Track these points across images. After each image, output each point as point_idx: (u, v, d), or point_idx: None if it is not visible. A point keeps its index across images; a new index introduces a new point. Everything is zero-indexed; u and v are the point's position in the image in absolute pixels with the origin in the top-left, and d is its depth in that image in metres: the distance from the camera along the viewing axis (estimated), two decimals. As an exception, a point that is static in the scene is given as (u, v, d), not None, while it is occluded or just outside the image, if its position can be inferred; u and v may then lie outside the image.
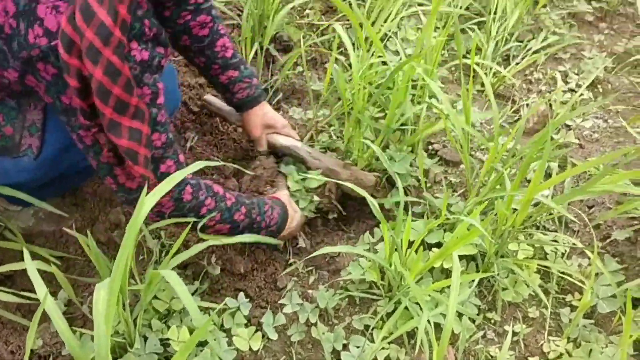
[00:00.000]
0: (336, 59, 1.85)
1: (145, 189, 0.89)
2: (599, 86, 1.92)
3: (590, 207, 1.58)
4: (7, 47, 0.87)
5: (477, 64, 1.87)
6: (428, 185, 1.57)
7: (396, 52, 1.88)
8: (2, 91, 1.00)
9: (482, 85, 1.87)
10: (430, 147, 1.68)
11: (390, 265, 1.24)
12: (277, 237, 1.30)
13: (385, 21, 1.82)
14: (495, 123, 1.43)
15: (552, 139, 1.72)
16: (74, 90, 0.84)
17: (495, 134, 1.37)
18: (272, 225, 1.27)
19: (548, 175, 1.64)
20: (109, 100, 0.84)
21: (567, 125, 1.79)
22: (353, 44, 1.87)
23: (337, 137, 1.63)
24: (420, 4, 2.02)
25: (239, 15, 1.87)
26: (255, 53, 1.77)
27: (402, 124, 1.66)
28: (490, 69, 1.82)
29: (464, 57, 1.91)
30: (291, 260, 1.39)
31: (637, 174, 1.23)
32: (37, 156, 1.07)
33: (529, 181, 1.63)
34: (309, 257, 1.33)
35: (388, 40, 1.88)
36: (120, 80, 0.83)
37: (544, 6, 2.13)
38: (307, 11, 2.01)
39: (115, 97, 0.84)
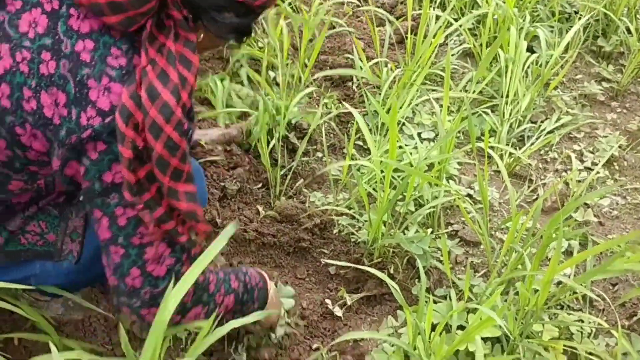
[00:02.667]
0: (354, 143, 1.92)
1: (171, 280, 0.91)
2: (614, 164, 1.95)
3: (614, 285, 1.57)
4: (54, 136, 0.90)
5: (492, 147, 1.92)
6: (450, 266, 1.58)
7: (411, 137, 1.94)
8: (46, 199, 1.05)
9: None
10: (450, 228, 1.70)
11: (415, 350, 1.24)
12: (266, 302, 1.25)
13: (400, 107, 1.90)
14: (512, 204, 1.45)
15: (571, 217, 1.73)
16: (126, 161, 0.87)
17: (513, 215, 1.39)
18: (259, 283, 1.22)
19: (570, 253, 1.64)
20: (167, 170, 0.89)
21: (586, 204, 1.80)
22: (370, 130, 1.94)
23: (358, 221, 1.66)
24: (433, 90, 2.10)
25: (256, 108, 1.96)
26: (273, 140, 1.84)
27: (420, 206, 1.70)
28: (506, 150, 1.87)
29: (480, 139, 1.96)
30: (315, 346, 1.39)
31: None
32: (77, 260, 1.11)
33: (549, 259, 1.63)
34: (333, 342, 1.33)
35: (403, 125, 1.94)
36: (178, 153, 0.89)
37: (555, 88, 2.20)
38: (325, 100, 2.10)
39: (173, 167, 0.89)
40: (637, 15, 2.55)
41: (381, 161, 1.42)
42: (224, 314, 1.10)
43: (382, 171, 1.54)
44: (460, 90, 2.13)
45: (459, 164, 1.91)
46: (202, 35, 0.95)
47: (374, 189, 1.62)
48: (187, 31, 0.87)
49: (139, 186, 0.90)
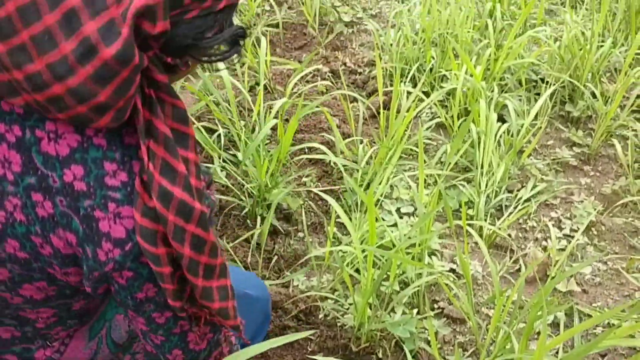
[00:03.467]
0: (337, 222, 1.92)
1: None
2: (592, 229, 1.97)
3: (603, 356, 1.56)
4: (82, 269, 0.84)
5: (471, 219, 1.94)
6: (438, 346, 1.56)
7: (390, 212, 1.96)
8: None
9: (480, 236, 1.92)
10: (436, 306, 1.69)
11: None
12: None
13: (379, 183, 1.92)
14: (494, 279, 1.46)
15: (555, 289, 1.73)
16: (168, 278, 0.80)
17: (497, 293, 1.39)
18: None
19: (557, 325, 1.64)
20: (199, 270, 0.82)
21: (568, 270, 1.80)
22: (350, 207, 1.95)
23: (342, 305, 1.64)
24: (409, 164, 2.13)
25: (240, 190, 1.97)
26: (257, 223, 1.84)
27: (405, 284, 1.70)
28: (482, 225, 1.88)
29: (459, 212, 1.98)
30: None
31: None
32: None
33: (538, 334, 1.62)
34: None
35: (382, 201, 1.96)
36: (206, 248, 0.81)
37: (529, 156, 2.25)
38: (304, 179, 2.12)
39: (203, 265, 0.82)
40: (602, 79, 2.65)
41: (363, 247, 1.42)
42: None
43: (363, 251, 1.54)
44: (436, 164, 2.16)
45: (440, 236, 1.92)
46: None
47: (356, 271, 1.62)
48: (172, 96, 0.76)
49: (178, 292, 0.84)
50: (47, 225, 0.77)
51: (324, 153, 2.13)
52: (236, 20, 0.87)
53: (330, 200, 1.54)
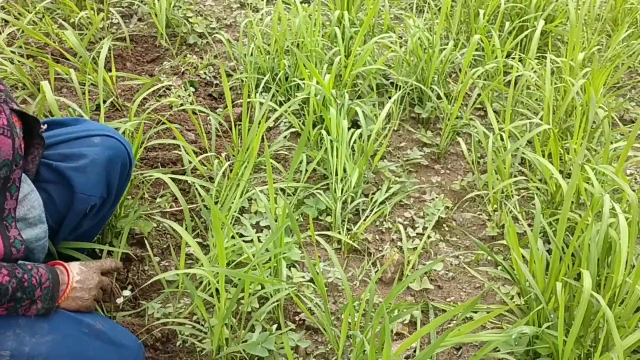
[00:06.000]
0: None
1: None
2: (444, 225, 2.06)
3: (458, 349, 1.63)
4: None
5: (330, 225, 1.96)
6: (300, 359, 1.55)
7: (252, 226, 1.92)
8: None
9: (339, 242, 1.93)
10: (297, 318, 1.68)
11: None
12: (58, 301, 1.22)
13: (234, 198, 1.88)
14: (345, 285, 1.46)
15: (409, 288, 1.78)
16: None
17: (349, 300, 1.40)
18: (44, 282, 1.18)
19: (414, 324, 1.68)
20: None
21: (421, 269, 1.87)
22: (209, 223, 1.90)
23: (200, 330, 1.58)
24: (264, 182, 2.11)
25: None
26: (109, 252, 1.73)
27: (265, 299, 1.67)
28: (339, 232, 1.91)
29: (318, 220, 1.99)
30: None
31: (484, 319, 1.29)
32: None
33: (398, 334, 1.66)
34: None
35: (241, 216, 1.92)
36: None
37: (382, 159, 2.30)
38: (158, 199, 2.03)
39: None
40: (447, 80, 2.79)
41: (212, 269, 1.37)
42: None
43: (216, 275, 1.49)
44: (295, 172, 2.16)
45: (301, 247, 1.91)
46: None
47: (211, 295, 1.56)
48: None
49: None
50: None
51: (180, 172, 2.06)
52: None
53: (175, 226, 1.48)
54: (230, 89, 2.64)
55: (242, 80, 2.65)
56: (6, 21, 2.75)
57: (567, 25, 3.10)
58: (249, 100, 2.29)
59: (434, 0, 3.33)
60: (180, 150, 2.17)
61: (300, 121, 2.41)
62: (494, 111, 2.59)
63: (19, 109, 1.19)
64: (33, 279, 1.15)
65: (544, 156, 2.16)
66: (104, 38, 2.86)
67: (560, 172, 2.20)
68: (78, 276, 1.26)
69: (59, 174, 1.37)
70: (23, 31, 2.70)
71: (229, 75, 2.69)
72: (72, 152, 1.40)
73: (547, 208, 2.01)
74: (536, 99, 2.58)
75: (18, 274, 1.13)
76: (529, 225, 2.05)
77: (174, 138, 2.35)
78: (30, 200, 1.28)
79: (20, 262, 1.18)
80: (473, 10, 3.03)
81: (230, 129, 2.41)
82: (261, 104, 2.23)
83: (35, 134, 1.26)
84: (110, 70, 2.49)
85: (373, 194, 2.13)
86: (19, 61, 2.40)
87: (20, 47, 2.61)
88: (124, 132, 2.00)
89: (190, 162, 2.07)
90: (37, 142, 1.28)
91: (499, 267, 1.84)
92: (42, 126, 1.26)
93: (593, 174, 1.79)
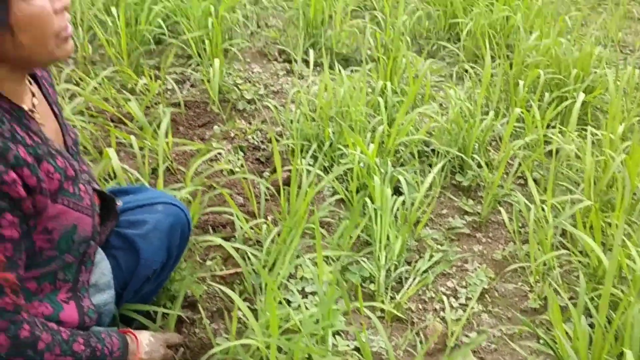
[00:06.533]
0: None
1: None
2: (486, 295, 2.09)
3: None
4: None
5: (374, 294, 2.01)
6: None
7: (298, 292, 1.99)
8: None
9: (382, 311, 1.98)
10: (342, 386, 1.72)
11: None
12: None
13: (282, 264, 1.95)
14: (390, 356, 1.51)
15: (452, 360, 1.81)
16: None
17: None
18: (115, 351, 1.25)
19: (457, 396, 1.70)
20: None
21: (466, 343, 1.89)
22: (259, 288, 1.97)
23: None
24: (308, 246, 2.19)
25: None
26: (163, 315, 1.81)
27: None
28: (382, 301, 1.95)
29: (362, 286, 2.04)
30: None
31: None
32: None
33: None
34: None
35: (287, 282, 1.99)
36: None
37: (425, 226, 2.36)
38: (208, 262, 2.12)
39: None
40: (488, 147, 2.86)
41: (264, 341, 1.44)
42: None
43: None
44: (339, 238, 2.23)
45: (346, 313, 1.96)
46: None
47: (261, 360, 1.62)
48: None
49: None
50: None
51: (230, 236, 2.15)
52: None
53: (230, 292, 1.56)
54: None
55: (288, 146, 2.77)
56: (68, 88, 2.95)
57: (606, 95, 3.16)
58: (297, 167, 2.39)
59: (473, 69, 3.43)
60: (230, 215, 2.27)
61: (343, 186, 2.49)
62: (534, 180, 2.63)
63: (99, 189, 1.31)
64: (105, 348, 1.23)
65: (585, 228, 2.19)
66: (158, 103, 3.03)
67: (603, 244, 2.22)
68: (147, 347, 1.34)
69: (126, 241, 1.47)
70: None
71: (277, 141, 2.81)
72: (137, 219, 1.50)
73: (589, 281, 2.02)
74: (577, 170, 2.62)
75: (92, 343, 1.21)
76: (570, 298, 2.06)
77: (224, 201, 2.46)
78: (101, 267, 1.38)
79: (94, 328, 1.27)
80: (513, 80, 3.12)
81: (278, 192, 2.51)
82: (308, 171, 2.33)
83: (111, 210, 1.37)
84: (166, 135, 2.64)
85: (415, 261, 2.18)
86: (81, 126, 2.56)
87: (82, 112, 2.78)
88: (180, 198, 2.11)
89: (241, 228, 2.16)
90: (112, 217, 1.39)
91: (541, 341, 1.86)
92: (118, 203, 1.37)
93: (635, 251, 1.82)
